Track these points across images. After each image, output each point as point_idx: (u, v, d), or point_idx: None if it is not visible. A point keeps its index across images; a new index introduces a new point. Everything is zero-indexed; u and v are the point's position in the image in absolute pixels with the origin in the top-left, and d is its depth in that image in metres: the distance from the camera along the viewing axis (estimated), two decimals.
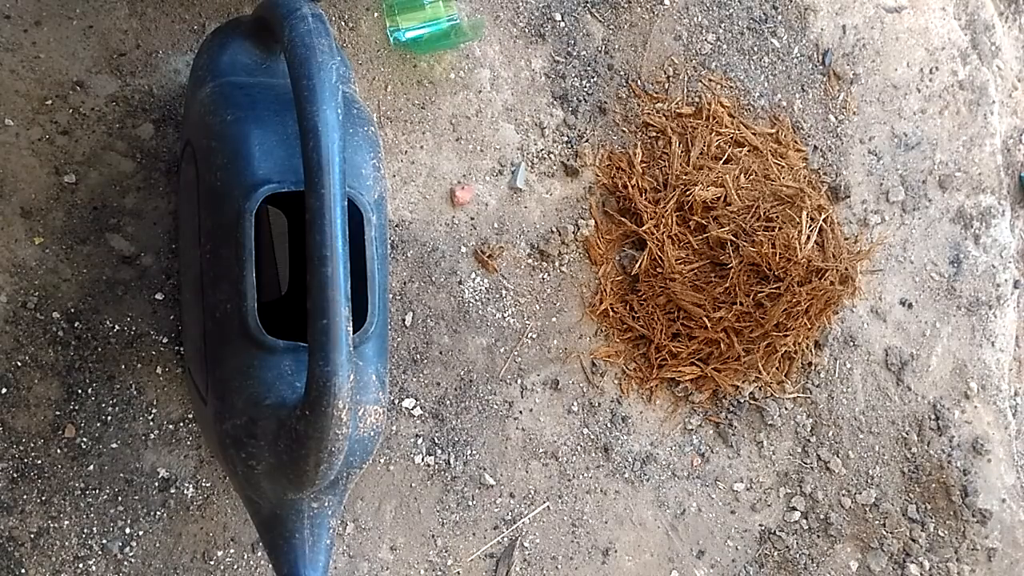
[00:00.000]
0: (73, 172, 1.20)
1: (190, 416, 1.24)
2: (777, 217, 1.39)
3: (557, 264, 1.42)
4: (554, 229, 1.42)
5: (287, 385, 0.95)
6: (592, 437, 1.42)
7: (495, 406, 1.38)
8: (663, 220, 1.41)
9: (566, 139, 1.43)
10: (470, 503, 1.36)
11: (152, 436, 1.22)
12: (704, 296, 1.40)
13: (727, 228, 1.39)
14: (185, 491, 1.24)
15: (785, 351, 1.46)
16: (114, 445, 1.21)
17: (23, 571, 1.17)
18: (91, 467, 1.20)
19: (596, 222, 1.44)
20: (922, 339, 1.58)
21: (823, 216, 1.42)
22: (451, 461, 1.35)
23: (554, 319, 1.41)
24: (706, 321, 1.40)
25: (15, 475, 1.18)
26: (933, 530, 1.55)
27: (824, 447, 1.52)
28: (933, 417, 1.57)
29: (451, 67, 1.38)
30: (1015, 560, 1.60)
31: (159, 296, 1.23)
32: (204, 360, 1.01)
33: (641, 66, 1.47)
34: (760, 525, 1.48)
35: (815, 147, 1.54)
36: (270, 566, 1.17)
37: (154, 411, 1.23)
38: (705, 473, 1.47)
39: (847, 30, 1.58)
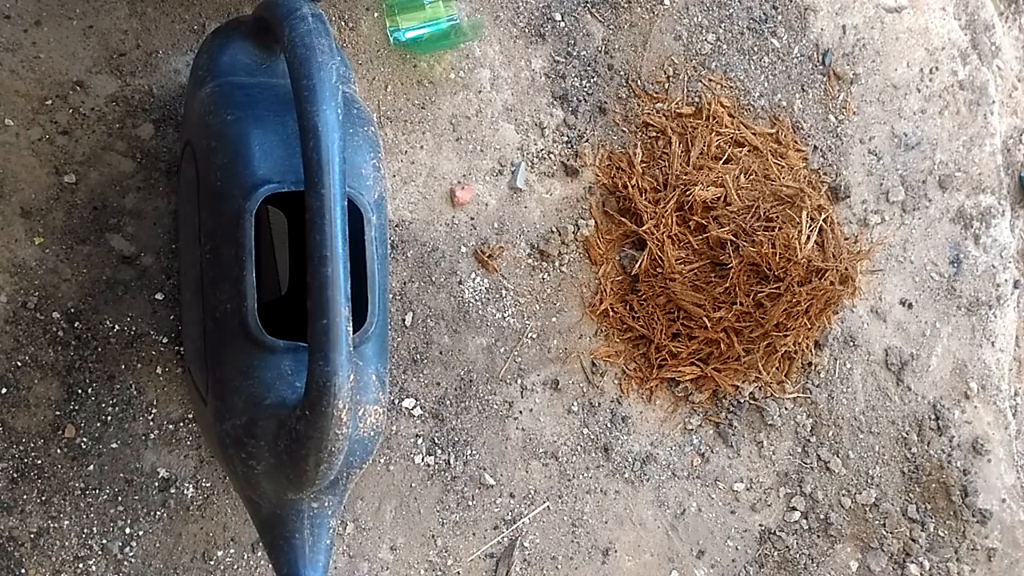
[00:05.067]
0: (73, 172, 1.20)
1: (190, 416, 1.24)
2: (777, 217, 1.39)
3: (557, 264, 1.42)
4: (554, 229, 1.42)
5: (287, 385, 0.95)
6: (592, 437, 1.42)
7: (495, 406, 1.38)
8: (663, 220, 1.41)
9: (566, 139, 1.43)
10: (470, 503, 1.36)
11: (152, 436, 1.22)
12: (704, 296, 1.40)
13: (727, 228, 1.39)
14: (185, 491, 1.24)
15: (785, 351, 1.46)
16: (114, 445, 1.21)
17: (23, 571, 1.17)
18: (91, 467, 1.20)
19: (596, 222, 1.44)
20: (922, 339, 1.58)
21: (823, 216, 1.42)
22: (451, 461, 1.35)
23: (554, 319, 1.41)
24: (706, 321, 1.40)
25: (15, 475, 1.18)
26: (933, 530, 1.55)
27: (824, 447, 1.52)
28: (933, 417, 1.57)
29: (451, 67, 1.38)
30: (1015, 560, 1.60)
31: (159, 296, 1.23)
32: (204, 360, 1.01)
33: (641, 66, 1.47)
34: (760, 525, 1.48)
35: (815, 147, 1.54)
36: (270, 566, 1.17)
37: (154, 411, 1.23)
38: (705, 473, 1.47)
39: (847, 30, 1.58)
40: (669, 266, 1.40)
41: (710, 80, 1.50)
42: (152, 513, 1.22)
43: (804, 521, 1.50)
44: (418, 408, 1.34)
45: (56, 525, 1.19)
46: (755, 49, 1.52)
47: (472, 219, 1.38)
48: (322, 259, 0.85)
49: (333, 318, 0.85)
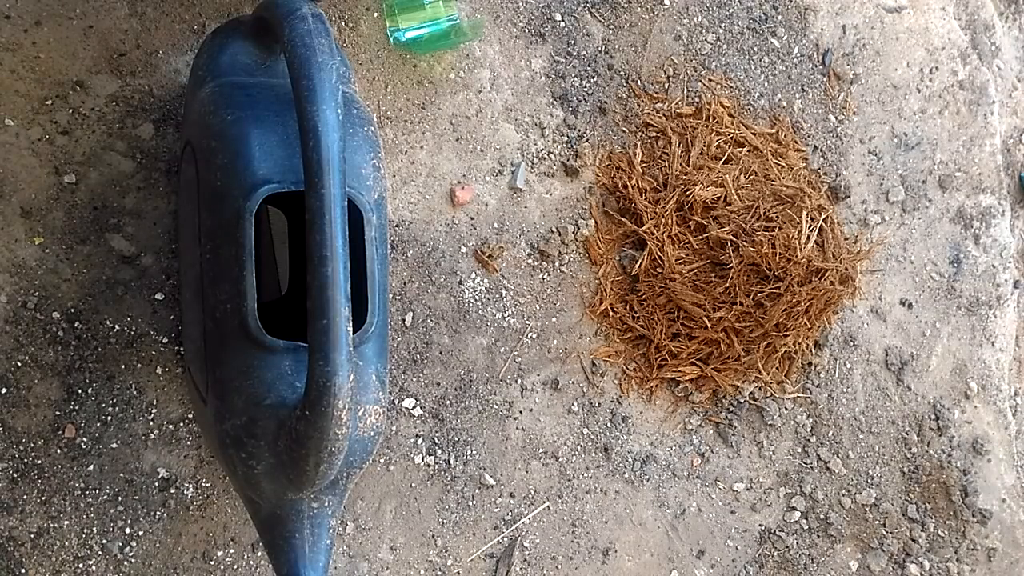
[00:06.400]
0: (73, 172, 1.20)
1: (190, 416, 1.24)
2: (777, 217, 1.39)
3: (557, 264, 1.42)
4: (554, 229, 1.42)
5: (287, 385, 0.95)
6: (592, 437, 1.42)
7: (495, 406, 1.38)
8: (663, 220, 1.41)
9: (566, 139, 1.43)
10: (470, 503, 1.36)
11: (152, 436, 1.22)
12: (704, 296, 1.40)
13: (727, 228, 1.39)
14: (185, 491, 1.24)
15: (785, 351, 1.46)
16: (114, 445, 1.21)
17: (23, 571, 1.17)
18: (91, 467, 1.20)
19: (596, 222, 1.44)
20: (922, 339, 1.58)
21: (823, 216, 1.42)
22: (451, 461, 1.35)
23: (554, 319, 1.41)
24: (706, 321, 1.40)
25: (15, 475, 1.18)
26: (933, 530, 1.55)
27: (824, 447, 1.52)
28: (933, 417, 1.57)
29: (451, 67, 1.38)
30: (1015, 560, 1.60)
31: (159, 296, 1.23)
32: (204, 360, 1.01)
33: (641, 66, 1.47)
34: (760, 525, 1.48)
35: (815, 147, 1.54)
36: (270, 566, 1.17)
37: (154, 411, 1.23)
38: (705, 473, 1.47)
39: (847, 30, 1.58)
40: (669, 266, 1.40)
41: (710, 80, 1.50)
42: (152, 513, 1.22)
43: (804, 521, 1.50)
44: (418, 408, 1.34)
45: (56, 525, 1.19)
46: (755, 49, 1.52)
47: (472, 219, 1.38)
48: (322, 259, 0.85)
49: (333, 318, 0.85)
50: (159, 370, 1.23)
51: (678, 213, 1.42)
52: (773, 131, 1.51)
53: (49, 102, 1.19)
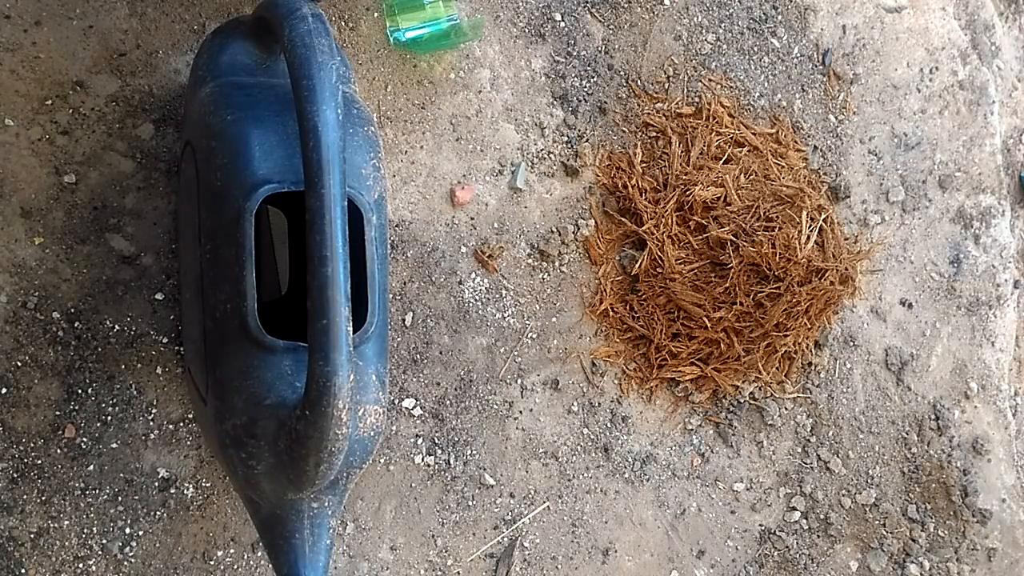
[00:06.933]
0: (73, 172, 1.20)
1: (190, 416, 1.24)
2: (777, 217, 1.39)
3: (557, 264, 1.42)
4: (554, 229, 1.42)
5: (287, 385, 0.95)
6: (592, 437, 1.42)
7: (495, 406, 1.38)
8: (663, 220, 1.41)
9: (566, 139, 1.43)
10: (470, 503, 1.36)
11: (152, 436, 1.22)
12: (704, 296, 1.40)
13: (727, 228, 1.39)
14: (185, 491, 1.24)
15: (785, 351, 1.46)
16: (114, 445, 1.21)
17: (23, 571, 1.17)
18: (91, 467, 1.20)
19: (596, 222, 1.44)
20: (922, 339, 1.58)
21: (823, 216, 1.42)
22: (451, 461, 1.35)
23: (554, 319, 1.41)
24: (706, 321, 1.40)
25: (15, 475, 1.18)
26: (933, 530, 1.55)
27: (824, 447, 1.52)
28: (933, 417, 1.57)
29: (451, 67, 1.38)
30: (1015, 560, 1.60)
31: (159, 296, 1.23)
32: (204, 360, 1.01)
33: (641, 66, 1.47)
34: (760, 525, 1.48)
35: (815, 147, 1.54)
36: (270, 566, 1.17)
37: (154, 411, 1.23)
38: (705, 473, 1.47)
39: (847, 30, 1.58)
40: (669, 266, 1.40)
41: (710, 80, 1.50)
42: (152, 513, 1.22)
43: (804, 521, 1.50)
44: (418, 408, 1.34)
45: (56, 525, 1.19)
46: (755, 49, 1.52)
47: (472, 219, 1.38)
48: (322, 259, 0.85)
49: (333, 318, 0.85)
50: (159, 370, 1.23)
51: (678, 213, 1.42)
52: (773, 131, 1.51)
53: (49, 102, 1.19)
